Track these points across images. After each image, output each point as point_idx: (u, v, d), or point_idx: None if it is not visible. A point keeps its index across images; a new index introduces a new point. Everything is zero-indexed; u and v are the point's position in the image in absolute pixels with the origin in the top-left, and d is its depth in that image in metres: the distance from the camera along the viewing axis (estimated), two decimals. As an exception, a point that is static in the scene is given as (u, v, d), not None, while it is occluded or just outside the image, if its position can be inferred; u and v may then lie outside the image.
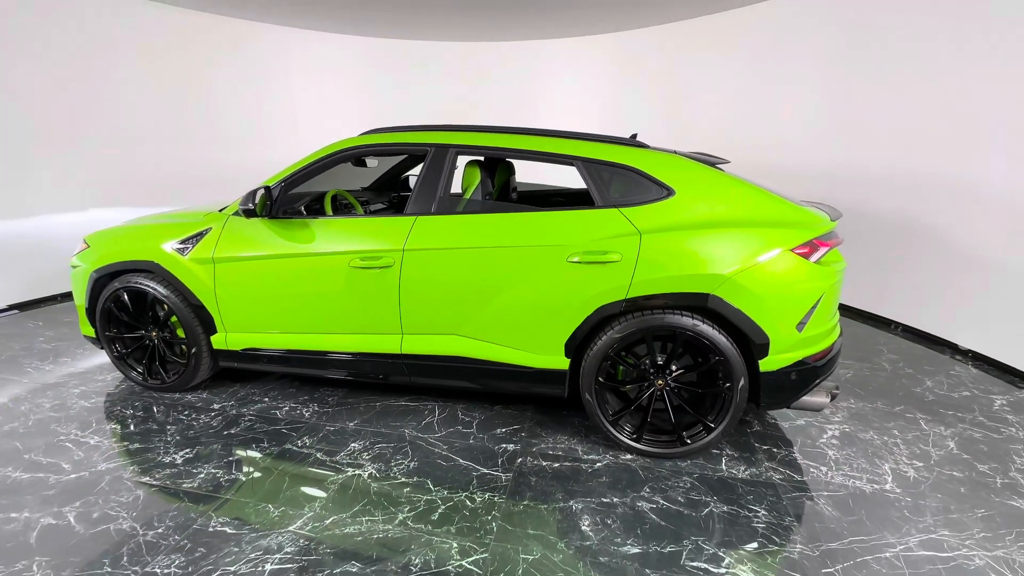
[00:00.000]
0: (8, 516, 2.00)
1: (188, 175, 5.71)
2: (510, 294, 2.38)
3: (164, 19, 5.35)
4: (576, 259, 2.29)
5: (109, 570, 1.75)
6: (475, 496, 2.15)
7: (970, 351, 3.68)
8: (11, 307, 4.54)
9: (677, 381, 2.36)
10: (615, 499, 2.14)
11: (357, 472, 2.29)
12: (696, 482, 2.25)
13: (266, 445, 2.50)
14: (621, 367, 2.43)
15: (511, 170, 3.19)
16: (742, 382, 2.24)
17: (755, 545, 1.89)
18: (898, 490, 2.21)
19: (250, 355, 2.81)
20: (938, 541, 1.92)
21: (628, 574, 1.75)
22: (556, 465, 2.37)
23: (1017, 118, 3.30)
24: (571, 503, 2.11)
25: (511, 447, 2.51)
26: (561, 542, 1.89)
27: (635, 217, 2.29)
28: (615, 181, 2.42)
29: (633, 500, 2.13)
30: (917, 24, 3.87)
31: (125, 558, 1.80)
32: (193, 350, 2.85)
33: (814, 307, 2.20)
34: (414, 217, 2.51)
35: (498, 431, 2.65)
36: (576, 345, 2.37)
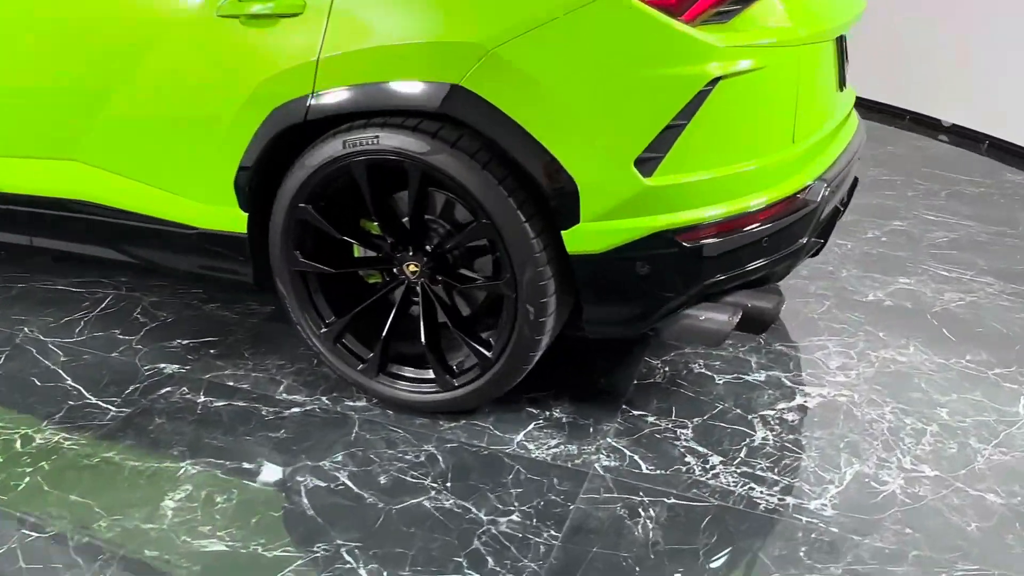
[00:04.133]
0: None
1: None
2: (135, 85, 1.39)
3: None
4: (229, 13, 1.27)
5: None
6: (37, 435, 1.27)
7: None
8: None
9: (441, 272, 1.40)
10: (263, 466, 1.29)
11: None
12: (436, 451, 1.40)
13: None
14: (357, 245, 1.50)
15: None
16: (530, 273, 1.26)
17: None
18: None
19: None
20: None
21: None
22: (219, 404, 1.48)
23: None
24: (182, 465, 1.25)
25: (172, 369, 1.60)
26: (108, 518, 1.04)
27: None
28: None
29: (292, 474, 1.28)
30: None
31: None
32: None
33: (681, 121, 1.12)
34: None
35: (176, 342, 1.72)
36: (253, 186, 1.38)
